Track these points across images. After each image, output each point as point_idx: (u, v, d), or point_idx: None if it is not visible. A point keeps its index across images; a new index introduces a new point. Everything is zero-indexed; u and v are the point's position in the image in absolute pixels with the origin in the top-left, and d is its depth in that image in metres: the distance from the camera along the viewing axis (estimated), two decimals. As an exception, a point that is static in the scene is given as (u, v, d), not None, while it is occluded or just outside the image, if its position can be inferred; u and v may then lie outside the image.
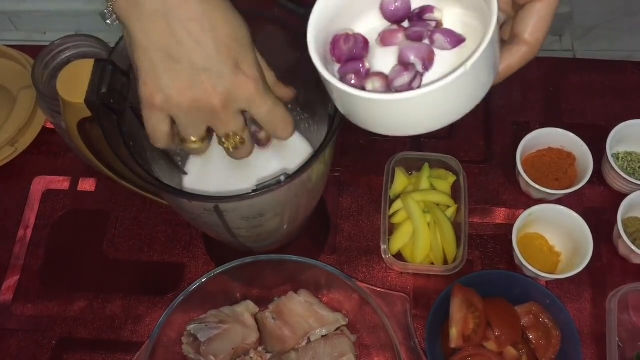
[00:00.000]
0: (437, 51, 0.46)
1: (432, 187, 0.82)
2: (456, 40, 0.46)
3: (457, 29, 0.47)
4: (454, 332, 0.71)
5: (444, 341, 0.73)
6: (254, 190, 0.50)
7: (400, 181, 0.83)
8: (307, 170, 0.52)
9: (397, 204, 0.81)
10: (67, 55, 0.75)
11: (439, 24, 0.47)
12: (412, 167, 0.85)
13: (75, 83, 0.54)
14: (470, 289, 0.72)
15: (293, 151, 0.67)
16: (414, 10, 0.48)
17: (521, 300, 0.74)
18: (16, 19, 2.08)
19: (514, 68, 0.46)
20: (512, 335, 0.71)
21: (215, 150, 0.71)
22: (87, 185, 0.86)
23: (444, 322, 0.73)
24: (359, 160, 0.87)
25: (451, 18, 0.47)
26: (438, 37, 0.46)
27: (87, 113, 0.55)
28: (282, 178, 0.50)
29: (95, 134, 0.60)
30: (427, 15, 0.47)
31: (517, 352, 0.71)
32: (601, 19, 1.97)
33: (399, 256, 0.80)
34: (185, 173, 0.68)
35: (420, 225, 0.78)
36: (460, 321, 0.71)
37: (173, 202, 0.59)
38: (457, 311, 0.71)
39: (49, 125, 0.89)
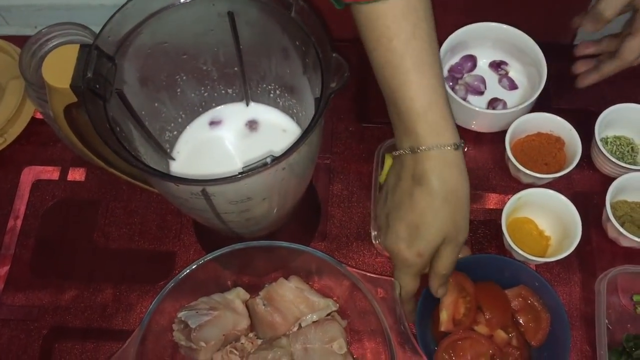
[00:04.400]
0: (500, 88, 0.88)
1: (422, 173, 0.82)
2: (512, 86, 0.88)
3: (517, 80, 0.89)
4: (444, 315, 0.71)
5: (434, 325, 0.73)
6: (240, 173, 0.50)
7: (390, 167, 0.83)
8: (294, 152, 0.52)
9: (387, 190, 0.81)
10: (54, 43, 0.75)
11: (507, 72, 0.89)
12: None
13: (60, 68, 0.54)
14: (461, 273, 0.73)
15: (283, 134, 0.67)
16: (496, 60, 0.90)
17: (511, 283, 0.74)
18: (7, 13, 2.07)
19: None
20: (502, 318, 0.72)
21: (203, 135, 0.72)
22: (77, 175, 0.86)
23: (434, 307, 0.74)
24: (349, 147, 0.87)
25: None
26: (504, 81, 0.89)
27: (73, 98, 0.55)
28: (269, 160, 0.50)
29: (82, 120, 0.60)
30: (503, 66, 0.90)
31: (507, 335, 0.72)
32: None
33: (389, 242, 0.80)
34: (173, 159, 0.69)
35: (411, 211, 0.79)
36: (450, 305, 0.71)
37: (160, 187, 0.59)
38: (448, 295, 0.71)
39: (38, 116, 0.89)
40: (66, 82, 0.53)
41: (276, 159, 0.51)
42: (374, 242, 0.78)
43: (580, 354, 0.75)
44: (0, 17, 2.08)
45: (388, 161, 0.83)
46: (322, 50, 0.56)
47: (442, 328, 0.71)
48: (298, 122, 0.71)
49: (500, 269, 0.75)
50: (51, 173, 0.86)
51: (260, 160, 0.50)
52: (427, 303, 0.73)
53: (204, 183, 0.51)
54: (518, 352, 0.71)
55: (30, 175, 0.86)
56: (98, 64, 0.54)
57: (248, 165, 0.50)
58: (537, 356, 0.73)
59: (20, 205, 0.84)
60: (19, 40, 0.91)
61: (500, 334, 0.72)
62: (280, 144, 0.67)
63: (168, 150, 0.70)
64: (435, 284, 0.69)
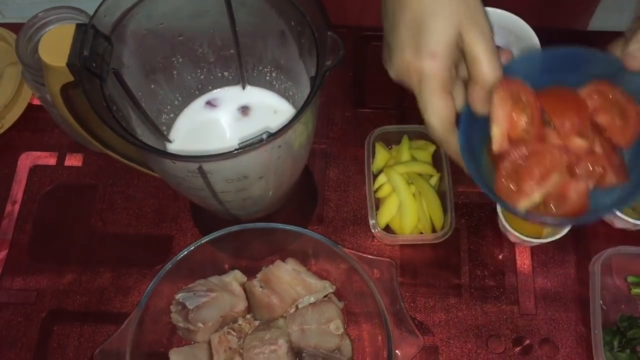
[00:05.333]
0: None
1: (413, 158, 0.82)
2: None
3: None
4: (496, 131, 0.55)
5: (490, 152, 0.57)
6: (236, 148, 0.50)
7: (381, 156, 0.83)
8: (289, 129, 0.52)
9: (381, 178, 0.82)
10: (50, 28, 0.75)
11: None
12: (392, 141, 0.85)
13: (57, 47, 0.54)
14: (514, 79, 0.55)
15: (279, 117, 0.67)
16: None
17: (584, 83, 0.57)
18: (3, 6, 2.07)
19: None
20: (577, 120, 0.55)
21: (199, 118, 0.72)
22: (74, 160, 0.86)
23: (486, 129, 0.56)
24: (345, 133, 0.88)
25: None
26: None
27: (70, 77, 0.55)
28: (264, 136, 0.51)
29: (78, 101, 0.61)
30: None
31: (586, 142, 0.55)
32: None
33: (387, 229, 0.81)
34: (170, 141, 0.69)
35: (406, 196, 0.79)
36: (503, 118, 0.55)
37: (158, 166, 0.59)
38: (499, 107, 0.55)
39: (35, 102, 0.89)
40: (63, 60, 0.54)
41: (272, 135, 0.51)
42: (373, 230, 0.79)
43: (575, 334, 0.75)
44: (-4, 10, 2.08)
45: (379, 150, 0.83)
46: (317, 29, 0.56)
47: (495, 148, 0.55)
48: (294, 105, 0.71)
49: (568, 65, 0.56)
50: (48, 158, 0.86)
51: (256, 137, 0.51)
52: (472, 125, 0.56)
53: (200, 159, 0.51)
54: (606, 160, 0.55)
55: (27, 160, 0.86)
56: (94, 43, 0.55)
57: (244, 142, 0.51)
58: (634, 160, 0.57)
59: (18, 190, 0.84)
60: (17, 28, 0.91)
61: (577, 142, 0.55)
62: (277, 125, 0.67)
63: (165, 133, 0.70)
64: (476, 97, 0.53)
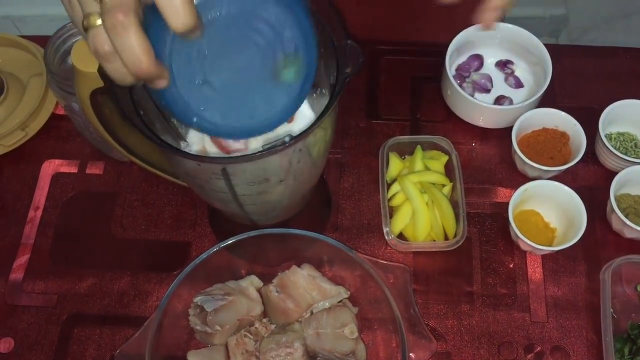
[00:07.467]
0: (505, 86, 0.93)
1: (426, 168, 0.84)
2: (518, 85, 0.92)
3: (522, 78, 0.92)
4: None
5: None
6: (260, 150, 0.52)
7: (395, 165, 0.85)
8: (310, 132, 0.54)
9: (395, 187, 0.84)
10: (76, 39, 0.78)
11: (513, 71, 0.93)
12: (405, 152, 0.87)
13: (88, 54, 0.56)
14: None
15: (301, 120, 0.69)
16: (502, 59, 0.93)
17: None
18: (20, 23, 2.11)
19: None
20: None
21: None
22: (95, 168, 0.89)
23: None
24: (359, 143, 0.90)
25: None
26: (510, 79, 0.92)
27: (100, 83, 0.57)
28: (287, 139, 0.53)
29: (106, 107, 0.63)
30: (509, 65, 0.93)
31: None
32: (597, 20, 2.00)
33: (401, 236, 0.82)
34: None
35: (419, 205, 0.81)
36: None
37: (181, 169, 0.61)
38: None
39: (58, 111, 0.92)
40: (94, 66, 0.56)
41: (294, 138, 0.53)
42: (387, 238, 0.80)
43: (586, 342, 0.76)
44: (15, 27, 2.12)
45: (393, 160, 0.85)
46: (337, 38, 0.58)
47: None
48: (314, 110, 0.73)
49: None
50: (70, 166, 0.89)
51: (279, 139, 0.53)
52: None
53: (225, 161, 0.54)
54: None
55: (50, 168, 0.89)
56: (124, 50, 0.57)
57: (268, 144, 0.53)
58: None
59: (41, 197, 0.87)
60: (40, 39, 0.95)
61: None
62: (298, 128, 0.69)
63: (186, 139, 0.72)
64: None
